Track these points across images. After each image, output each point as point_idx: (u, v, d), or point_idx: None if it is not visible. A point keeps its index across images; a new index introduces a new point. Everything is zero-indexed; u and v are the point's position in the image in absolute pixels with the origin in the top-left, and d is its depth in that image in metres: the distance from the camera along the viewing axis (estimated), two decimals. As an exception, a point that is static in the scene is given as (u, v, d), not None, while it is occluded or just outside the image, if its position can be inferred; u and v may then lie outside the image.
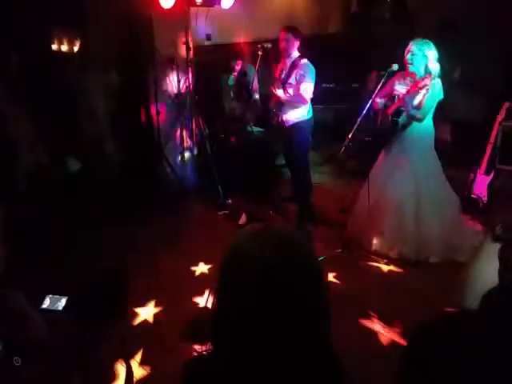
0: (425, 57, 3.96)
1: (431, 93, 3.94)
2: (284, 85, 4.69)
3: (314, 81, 4.61)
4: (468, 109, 6.05)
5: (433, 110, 4.06)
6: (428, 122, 4.11)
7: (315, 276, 1.00)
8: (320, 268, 1.02)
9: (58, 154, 4.81)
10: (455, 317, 1.07)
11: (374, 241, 4.27)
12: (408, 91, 4.04)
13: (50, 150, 4.64)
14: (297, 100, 4.64)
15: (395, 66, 4.05)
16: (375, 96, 4.13)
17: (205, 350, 1.04)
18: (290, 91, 4.66)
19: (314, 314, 0.97)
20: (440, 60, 4.01)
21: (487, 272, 1.48)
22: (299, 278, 0.96)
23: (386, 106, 4.18)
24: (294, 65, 4.64)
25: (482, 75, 5.96)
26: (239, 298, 0.96)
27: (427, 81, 3.86)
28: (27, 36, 4.67)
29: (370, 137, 4.29)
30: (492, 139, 4.95)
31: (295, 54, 4.67)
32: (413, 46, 3.99)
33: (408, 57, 4.01)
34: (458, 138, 5.95)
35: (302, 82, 4.59)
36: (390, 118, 4.12)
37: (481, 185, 4.95)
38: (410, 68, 4.03)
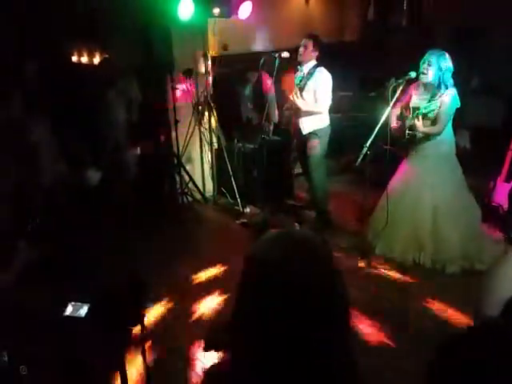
0: (440, 69, 3.95)
1: (447, 105, 3.94)
2: (301, 93, 4.71)
3: (331, 89, 4.63)
4: (487, 116, 6.00)
5: (451, 118, 4.04)
6: (447, 129, 4.08)
7: (334, 280, 1.00)
8: (339, 272, 1.03)
9: (78, 164, 4.89)
10: (482, 329, 1.06)
11: (392, 249, 4.24)
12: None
13: (70, 160, 4.72)
14: (314, 108, 4.66)
15: (413, 74, 4.04)
16: (393, 105, 4.12)
17: (224, 358, 1.05)
18: (308, 99, 4.68)
19: (335, 318, 0.98)
20: (456, 69, 3.99)
21: (509, 280, 1.46)
22: (319, 283, 0.96)
23: (402, 118, 4.18)
24: (312, 73, 4.66)
25: (501, 81, 5.90)
26: (260, 304, 0.96)
27: (445, 98, 3.85)
28: (49, 47, 4.76)
29: (388, 145, 4.28)
30: (512, 146, 4.89)
31: (313, 62, 4.69)
32: (429, 57, 3.97)
33: (424, 67, 4.00)
34: (478, 146, 5.89)
35: (319, 91, 4.61)
36: (406, 132, 4.12)
37: (501, 193, 4.88)
38: (425, 78, 4.01)
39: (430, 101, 4.02)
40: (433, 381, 0.99)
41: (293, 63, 5.00)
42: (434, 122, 4.02)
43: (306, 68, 4.72)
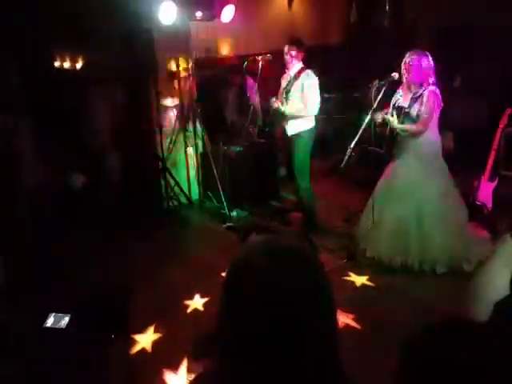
0: (421, 68, 3.96)
1: (428, 103, 3.94)
2: (287, 95, 4.72)
3: (317, 91, 4.64)
4: (471, 116, 6.05)
5: (435, 119, 4.04)
6: (433, 130, 4.09)
7: (322, 284, 0.99)
8: (326, 279, 1.01)
9: (60, 168, 4.82)
10: (460, 323, 1.04)
11: (379, 251, 4.24)
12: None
13: (52, 165, 4.66)
14: (301, 112, 4.67)
15: (396, 75, 4.05)
16: (385, 106, 4.12)
17: (211, 367, 1.03)
18: (294, 102, 4.69)
19: (322, 326, 0.96)
20: (438, 69, 4.01)
21: (498, 281, 1.45)
22: (306, 290, 0.94)
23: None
24: (298, 76, 4.68)
25: (484, 81, 5.96)
26: (244, 312, 0.94)
27: (426, 96, 3.88)
28: (31, 51, 4.70)
29: (374, 146, 4.30)
30: (495, 146, 4.93)
31: (299, 65, 4.71)
32: (409, 57, 3.99)
33: (404, 67, 4.01)
34: (462, 145, 5.93)
35: (306, 94, 4.62)
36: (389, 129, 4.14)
37: (485, 192, 4.92)
38: (407, 78, 4.03)
39: (412, 100, 4.03)
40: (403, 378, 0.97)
41: (277, 66, 5.00)
42: (416, 120, 4.03)
43: (292, 71, 4.74)
